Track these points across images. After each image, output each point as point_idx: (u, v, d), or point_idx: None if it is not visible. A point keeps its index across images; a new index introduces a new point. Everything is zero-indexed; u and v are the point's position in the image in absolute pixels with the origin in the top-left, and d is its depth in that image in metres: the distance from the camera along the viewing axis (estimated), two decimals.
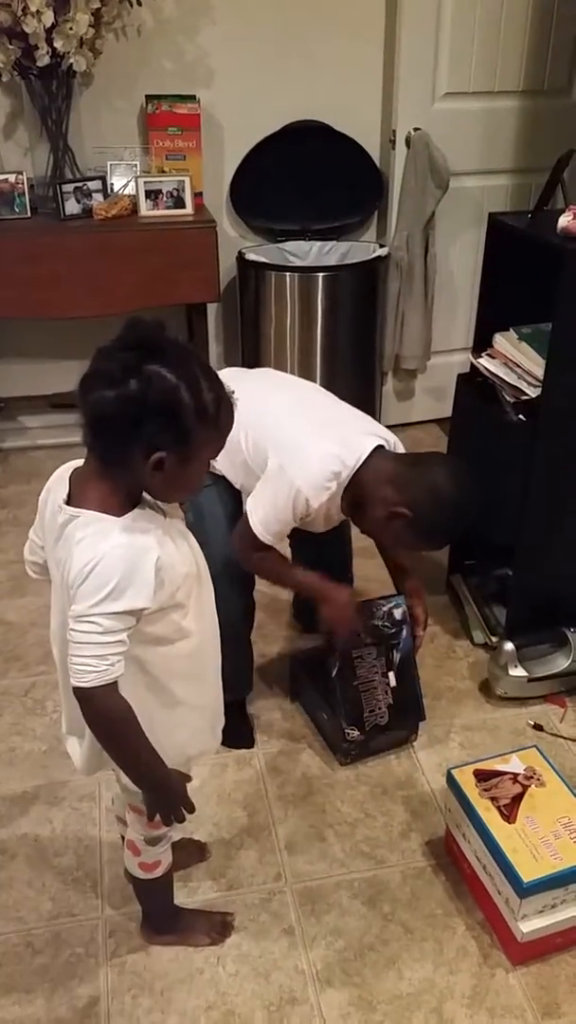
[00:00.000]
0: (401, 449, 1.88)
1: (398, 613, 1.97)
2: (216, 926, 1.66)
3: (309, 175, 3.17)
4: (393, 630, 1.96)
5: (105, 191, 2.88)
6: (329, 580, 1.89)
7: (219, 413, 1.14)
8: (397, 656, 1.97)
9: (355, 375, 3.27)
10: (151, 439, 1.09)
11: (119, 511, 1.15)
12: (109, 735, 1.22)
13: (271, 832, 1.86)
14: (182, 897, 1.70)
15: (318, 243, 3.28)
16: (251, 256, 3.10)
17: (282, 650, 2.35)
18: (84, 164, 2.93)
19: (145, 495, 1.20)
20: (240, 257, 3.12)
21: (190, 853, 1.79)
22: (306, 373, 3.15)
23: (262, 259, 3.10)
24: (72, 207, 2.82)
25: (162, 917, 1.64)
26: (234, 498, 1.92)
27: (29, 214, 2.83)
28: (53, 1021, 1.52)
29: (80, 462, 1.22)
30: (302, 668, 2.17)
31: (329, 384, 3.13)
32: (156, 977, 1.59)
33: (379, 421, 3.41)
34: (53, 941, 1.65)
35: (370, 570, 2.69)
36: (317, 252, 3.28)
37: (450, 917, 1.69)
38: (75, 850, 1.82)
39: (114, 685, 1.16)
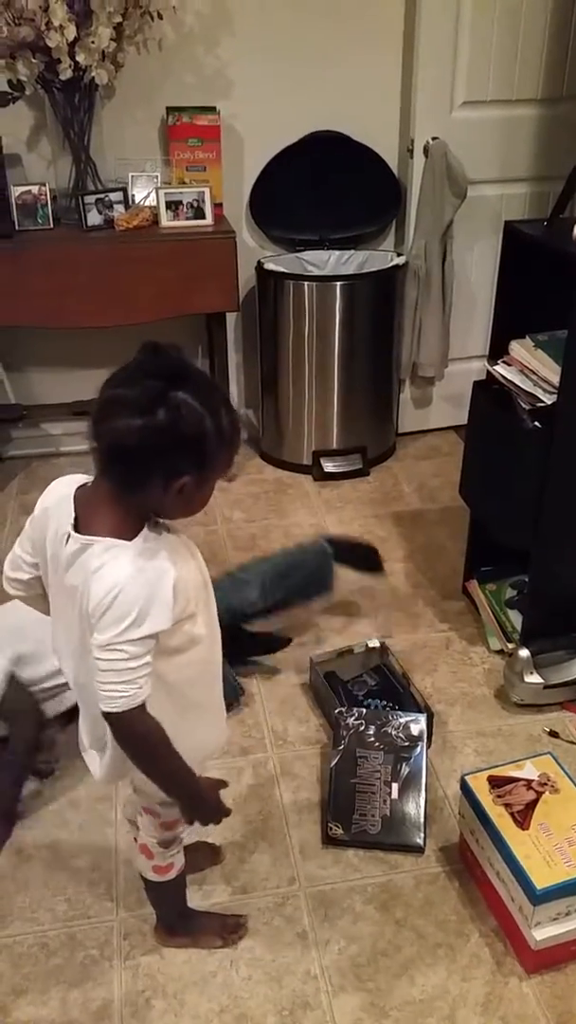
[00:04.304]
0: None
1: (415, 729, 1.92)
2: (229, 928, 1.66)
3: (328, 185, 3.19)
4: (406, 744, 1.91)
5: (126, 202, 2.91)
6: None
7: (235, 436, 1.16)
8: (405, 770, 1.89)
9: (373, 382, 3.28)
10: (175, 466, 1.10)
11: (131, 534, 1.15)
12: (142, 754, 1.24)
13: (285, 836, 1.87)
14: (196, 900, 1.71)
15: (336, 252, 3.29)
16: (270, 266, 3.12)
17: (297, 656, 2.35)
18: (106, 175, 2.97)
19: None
20: (259, 267, 3.15)
21: (204, 856, 1.80)
22: (324, 381, 3.17)
23: (281, 268, 3.12)
24: (94, 218, 2.86)
25: (175, 919, 1.65)
26: None
27: (52, 225, 2.87)
28: (67, 1023, 1.53)
29: (76, 479, 1.22)
30: (319, 668, 2.20)
31: (347, 391, 3.20)
32: (169, 980, 1.60)
33: (397, 428, 3.49)
34: (68, 943, 1.66)
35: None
36: (335, 261, 3.30)
37: (464, 924, 1.69)
38: (91, 852, 1.83)
39: (143, 706, 1.17)
